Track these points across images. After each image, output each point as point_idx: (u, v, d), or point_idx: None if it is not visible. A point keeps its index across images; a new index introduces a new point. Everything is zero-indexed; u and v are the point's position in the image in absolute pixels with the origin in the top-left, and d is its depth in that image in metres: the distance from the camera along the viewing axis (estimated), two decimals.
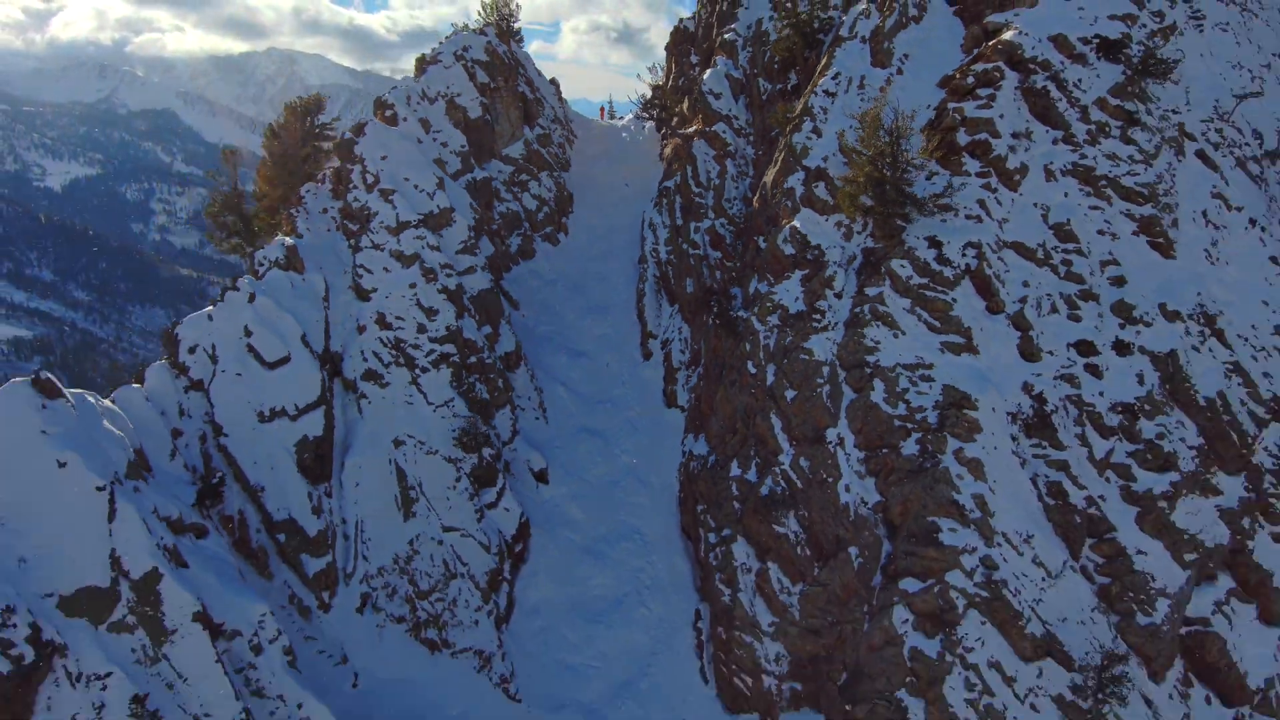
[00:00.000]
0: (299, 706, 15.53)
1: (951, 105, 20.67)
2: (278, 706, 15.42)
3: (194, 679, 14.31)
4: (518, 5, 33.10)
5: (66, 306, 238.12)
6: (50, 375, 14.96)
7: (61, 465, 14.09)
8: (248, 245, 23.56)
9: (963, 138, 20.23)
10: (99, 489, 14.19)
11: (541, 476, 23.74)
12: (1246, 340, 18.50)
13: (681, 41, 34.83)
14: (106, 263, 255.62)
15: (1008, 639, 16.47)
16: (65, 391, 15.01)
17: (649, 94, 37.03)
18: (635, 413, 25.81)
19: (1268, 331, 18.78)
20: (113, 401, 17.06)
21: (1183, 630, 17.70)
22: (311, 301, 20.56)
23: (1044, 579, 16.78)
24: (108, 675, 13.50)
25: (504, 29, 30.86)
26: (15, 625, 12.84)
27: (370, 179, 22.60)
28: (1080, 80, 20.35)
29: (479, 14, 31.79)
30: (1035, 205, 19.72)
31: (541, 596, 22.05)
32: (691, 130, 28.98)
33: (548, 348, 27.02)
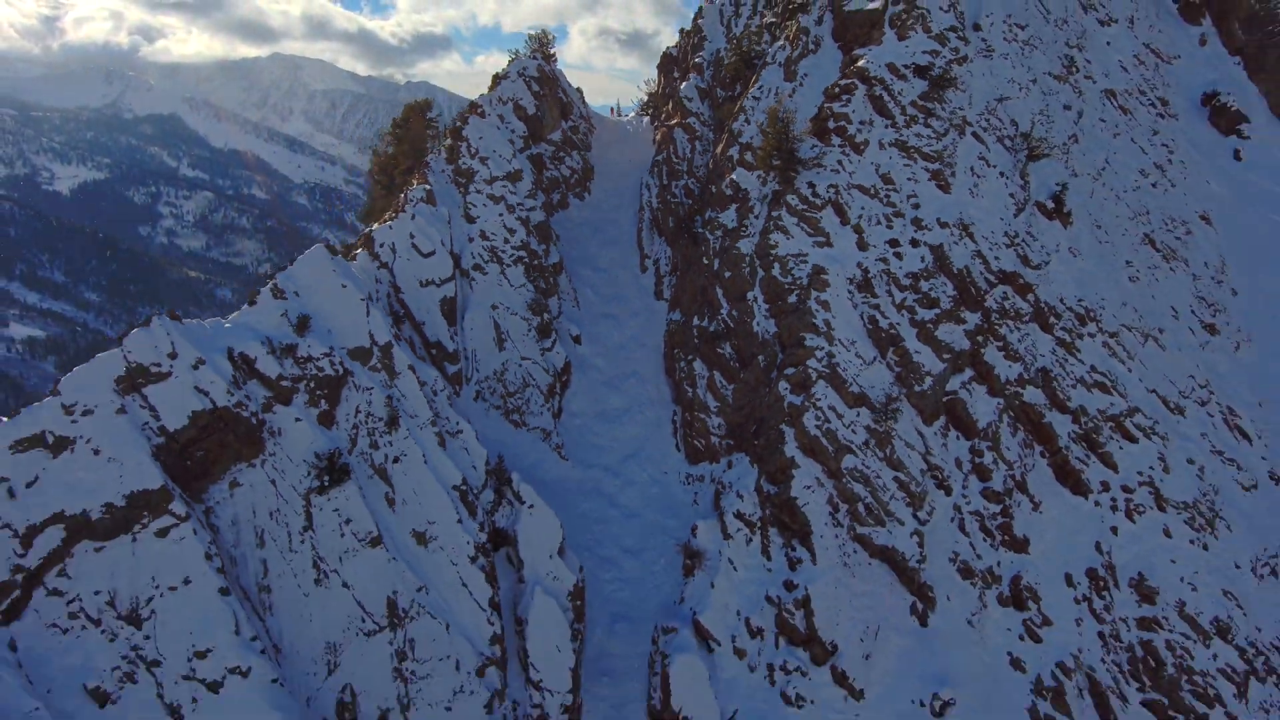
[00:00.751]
0: (457, 424, 27.60)
1: (826, 105, 32.71)
2: (446, 423, 27.42)
3: (409, 397, 26.31)
4: (553, 36, 45.25)
5: (78, 307, 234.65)
6: (331, 241, 27.06)
7: (344, 287, 26.12)
8: (391, 195, 35.52)
9: (831, 124, 32.24)
10: (361, 300, 26.21)
11: (577, 340, 35.75)
12: (986, 239, 30.47)
13: (668, 63, 46.97)
14: (116, 265, 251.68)
15: (840, 395, 28.47)
16: (339, 251, 27.09)
17: (646, 99, 49.27)
18: (636, 304, 37.77)
19: (1000, 235, 30.77)
20: None
21: (944, 398, 29.82)
22: (442, 222, 32.50)
23: (862, 365, 28.81)
24: (371, 389, 25.54)
25: (546, 54, 42.79)
26: (332, 356, 24.89)
27: (473, 150, 34.60)
28: (902, 90, 32.28)
29: (528, 42, 43.96)
30: (872, 163, 31.64)
31: (579, 407, 34.09)
32: (673, 123, 41.00)
33: (578, 265, 38.99)
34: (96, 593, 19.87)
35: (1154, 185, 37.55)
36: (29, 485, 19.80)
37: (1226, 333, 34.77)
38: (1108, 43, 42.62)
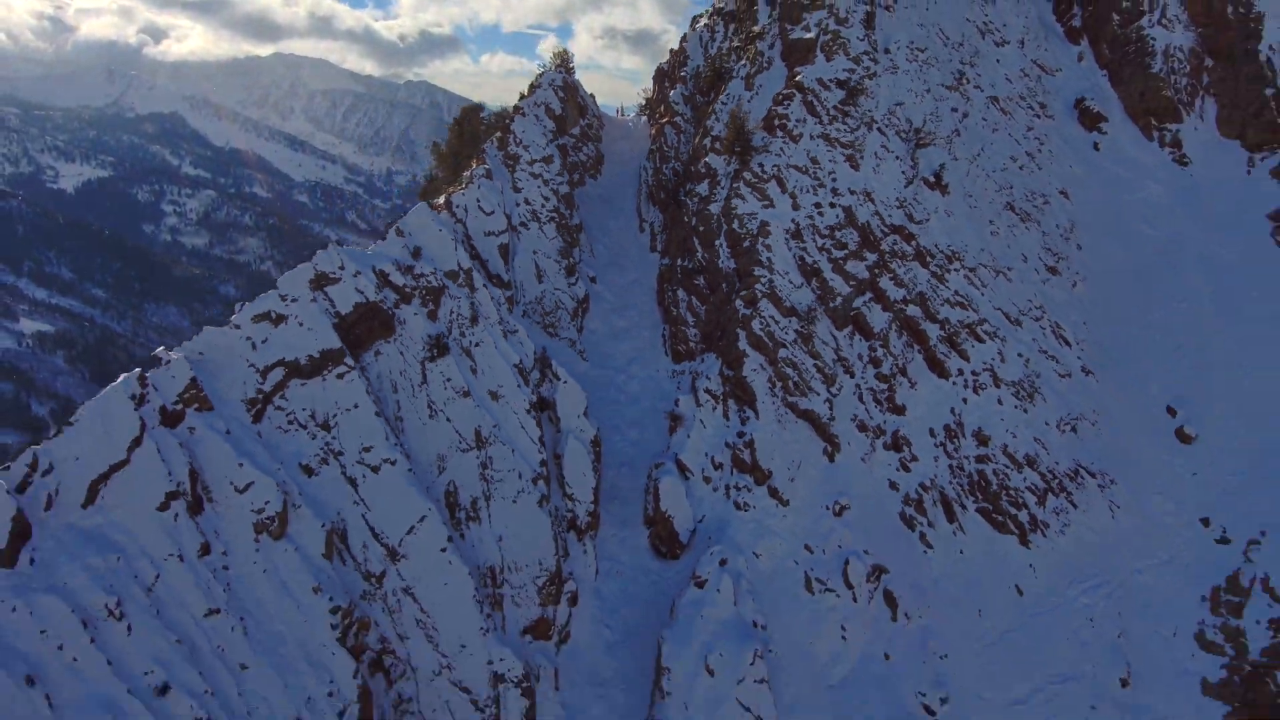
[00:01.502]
0: (514, 325, 38.64)
1: (773, 108, 43.75)
2: (506, 324, 38.37)
3: (483, 305, 37.15)
4: (571, 54, 56.19)
5: (85, 303, 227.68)
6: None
7: (440, 230, 37.16)
8: (456, 172, 46.57)
9: (776, 121, 43.26)
10: (451, 239, 37.24)
11: (593, 280, 46.68)
12: (883, 202, 41.55)
13: (661, 75, 58.01)
14: (121, 262, 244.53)
15: (777, 308, 39.51)
16: (436, 207, 38.17)
17: (643, 103, 60.40)
18: (635, 256, 48.62)
19: (893, 199, 41.82)
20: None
21: (851, 312, 40.99)
22: (497, 191, 43.31)
23: (792, 288, 39.89)
24: (459, 297, 36.57)
25: (567, 68, 53.77)
26: (435, 274, 35.90)
27: (518, 141, 45.53)
28: (827, 97, 43.32)
29: (552, 59, 54.78)
30: (804, 150, 42.58)
31: (595, 326, 45.05)
32: (664, 121, 52.03)
33: (594, 227, 49.83)
34: (303, 409, 30.99)
35: (1021, 168, 48.54)
36: (262, 342, 30.89)
37: (1066, 274, 45.82)
38: (998, 60, 53.59)
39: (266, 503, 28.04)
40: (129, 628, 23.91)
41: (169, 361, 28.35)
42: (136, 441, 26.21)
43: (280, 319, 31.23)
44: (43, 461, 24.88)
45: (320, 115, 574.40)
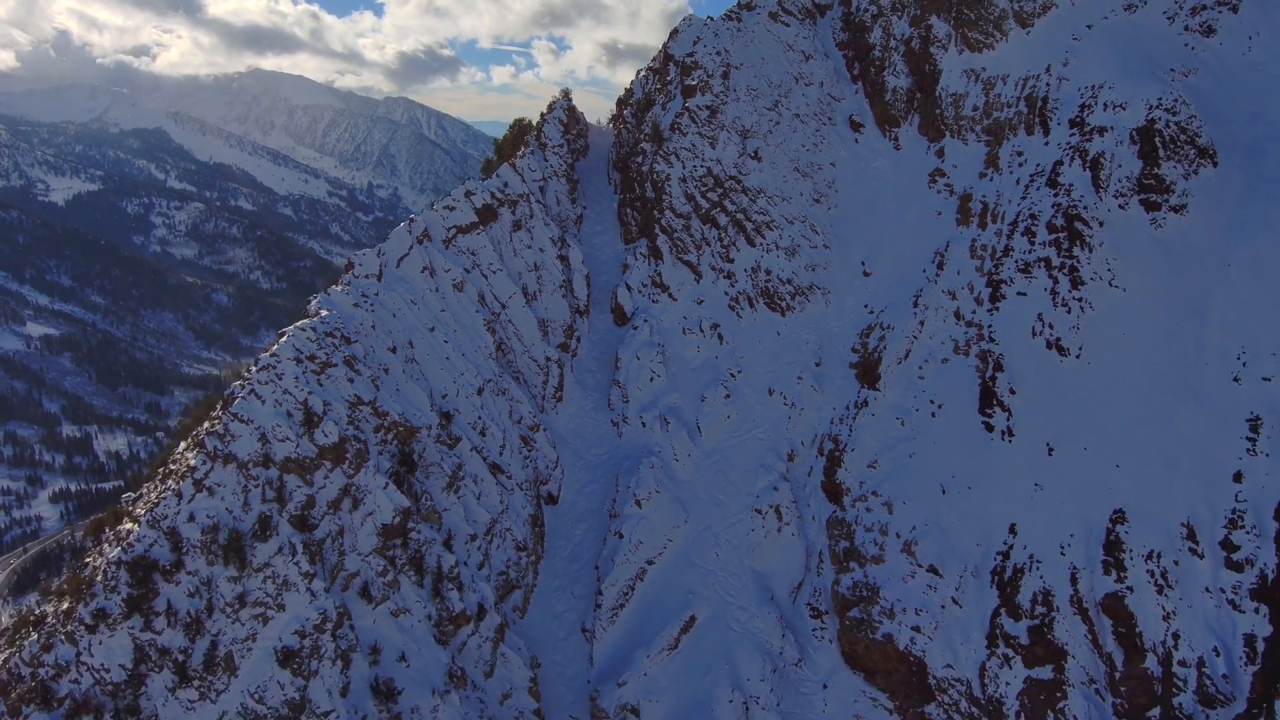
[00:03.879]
0: (549, 221, 75.26)
1: (675, 119, 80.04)
2: (548, 218, 75.07)
3: (535, 210, 74.16)
4: (570, 89, 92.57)
5: (86, 309, 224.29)
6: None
7: (515, 175, 73.61)
8: (512, 151, 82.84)
9: (677, 127, 79.97)
10: (520, 180, 73.69)
11: (585, 207, 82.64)
12: (726, 165, 78.17)
13: (620, 103, 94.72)
14: (118, 270, 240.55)
15: (675, 215, 76.15)
16: (511, 165, 74.92)
17: (610, 117, 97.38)
18: (606, 196, 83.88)
19: (731, 163, 78.71)
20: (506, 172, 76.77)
21: (710, 215, 78.19)
22: (536, 160, 79.87)
23: (683, 204, 76.52)
24: (526, 205, 73.29)
25: (569, 97, 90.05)
26: (513, 194, 72.51)
27: (545, 135, 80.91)
28: (700, 114, 79.73)
29: (560, 93, 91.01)
30: (690, 140, 78.58)
31: (586, 229, 79.80)
32: (621, 126, 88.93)
33: (584, 181, 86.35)
34: (464, 247, 67.24)
35: (808, 150, 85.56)
36: (446, 217, 67.35)
37: (826, 203, 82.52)
38: (804, 94, 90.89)
39: (455, 278, 64.57)
40: (418, 308, 60.55)
41: (416, 219, 65.02)
42: (410, 247, 62.62)
43: (452, 208, 67.42)
44: (382, 249, 61.32)
45: (301, 130, 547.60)
